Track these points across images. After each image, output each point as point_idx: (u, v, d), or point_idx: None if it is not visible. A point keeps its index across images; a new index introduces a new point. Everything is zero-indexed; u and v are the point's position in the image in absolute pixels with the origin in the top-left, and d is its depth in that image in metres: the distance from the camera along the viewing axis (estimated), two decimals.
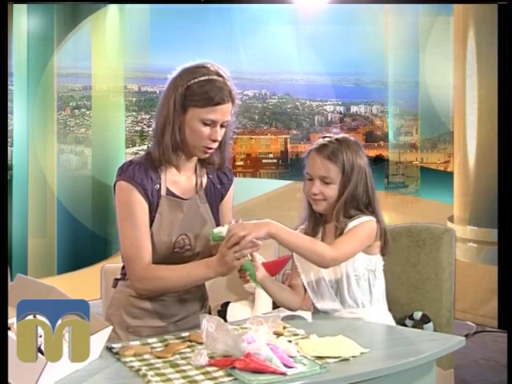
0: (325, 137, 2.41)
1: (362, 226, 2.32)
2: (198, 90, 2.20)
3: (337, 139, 2.39)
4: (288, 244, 2.20)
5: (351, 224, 2.33)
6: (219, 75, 2.23)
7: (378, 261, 2.40)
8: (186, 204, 2.29)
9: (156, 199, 2.25)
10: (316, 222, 2.44)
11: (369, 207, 2.38)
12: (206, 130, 2.22)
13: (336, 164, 2.35)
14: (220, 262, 2.14)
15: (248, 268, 2.20)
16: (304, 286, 2.44)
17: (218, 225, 2.32)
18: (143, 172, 2.23)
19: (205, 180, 2.36)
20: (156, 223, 2.25)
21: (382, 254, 2.43)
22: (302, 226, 2.46)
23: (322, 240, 2.41)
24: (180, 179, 2.31)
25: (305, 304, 2.46)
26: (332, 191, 2.36)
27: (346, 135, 2.44)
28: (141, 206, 2.22)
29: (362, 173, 2.36)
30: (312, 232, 2.43)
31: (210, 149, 2.25)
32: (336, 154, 2.35)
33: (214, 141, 2.24)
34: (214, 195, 2.38)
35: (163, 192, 2.26)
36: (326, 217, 2.42)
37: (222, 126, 2.24)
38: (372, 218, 2.35)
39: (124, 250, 2.25)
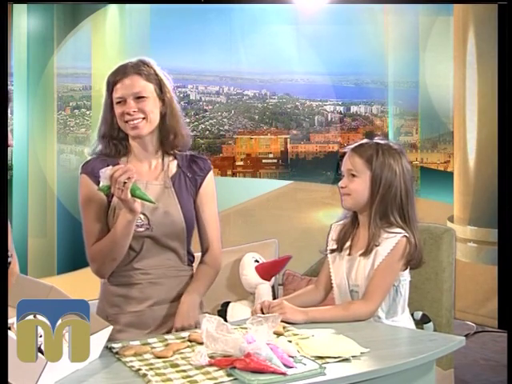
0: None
1: (391, 256, 2.30)
2: (108, 79, 2.40)
3: (376, 142, 2.38)
4: (326, 321, 2.24)
5: (381, 251, 2.31)
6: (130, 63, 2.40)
7: (401, 277, 2.37)
8: (142, 185, 2.34)
9: None
10: (348, 228, 2.43)
11: (403, 217, 2.34)
12: (120, 107, 2.36)
13: (362, 157, 2.34)
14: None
15: (138, 192, 2.24)
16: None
17: (185, 210, 2.38)
18: (98, 162, 2.36)
19: (174, 169, 2.45)
20: (112, 205, 2.36)
21: (411, 268, 2.39)
22: (338, 223, 2.46)
23: (352, 246, 2.40)
24: (142, 168, 2.42)
25: (329, 303, 2.44)
26: (356, 185, 2.34)
27: (390, 141, 2.43)
28: (92, 192, 2.35)
29: (397, 175, 2.32)
30: (344, 236, 2.42)
31: (131, 121, 2.34)
32: (365, 149, 2.35)
33: (128, 113, 2.34)
34: (185, 184, 2.44)
35: None
36: (360, 220, 2.41)
37: (138, 98, 2.35)
38: (401, 236, 2.31)
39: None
